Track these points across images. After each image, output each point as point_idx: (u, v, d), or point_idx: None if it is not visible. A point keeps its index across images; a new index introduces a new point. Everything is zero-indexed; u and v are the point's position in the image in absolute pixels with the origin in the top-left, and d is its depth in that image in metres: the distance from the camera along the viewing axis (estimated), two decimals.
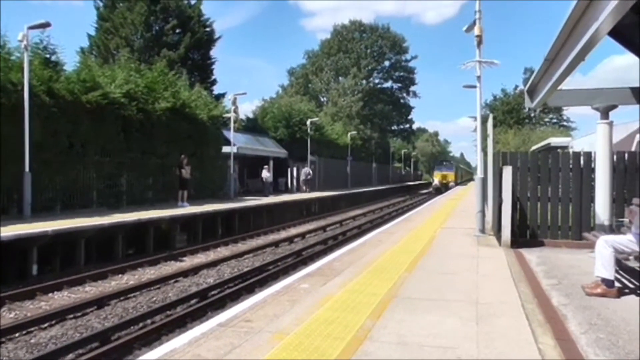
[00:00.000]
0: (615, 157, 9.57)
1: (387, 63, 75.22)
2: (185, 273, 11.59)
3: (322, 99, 72.19)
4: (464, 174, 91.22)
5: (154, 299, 9.55)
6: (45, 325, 7.72)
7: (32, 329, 7.50)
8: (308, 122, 35.70)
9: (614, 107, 9.70)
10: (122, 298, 9.40)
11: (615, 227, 8.41)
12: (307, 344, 3.97)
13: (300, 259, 13.74)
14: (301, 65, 76.33)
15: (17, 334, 7.24)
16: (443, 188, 52.99)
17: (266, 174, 28.84)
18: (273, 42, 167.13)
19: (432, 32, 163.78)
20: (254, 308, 5.07)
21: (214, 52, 38.27)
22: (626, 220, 6.88)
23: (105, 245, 13.40)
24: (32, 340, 7.12)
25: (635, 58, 9.13)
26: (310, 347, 3.91)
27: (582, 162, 9.82)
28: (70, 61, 24.47)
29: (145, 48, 33.48)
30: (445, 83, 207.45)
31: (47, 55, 16.43)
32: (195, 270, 11.94)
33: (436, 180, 58.90)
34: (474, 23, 11.04)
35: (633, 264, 6.09)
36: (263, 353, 3.78)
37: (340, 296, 5.52)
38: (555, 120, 67.34)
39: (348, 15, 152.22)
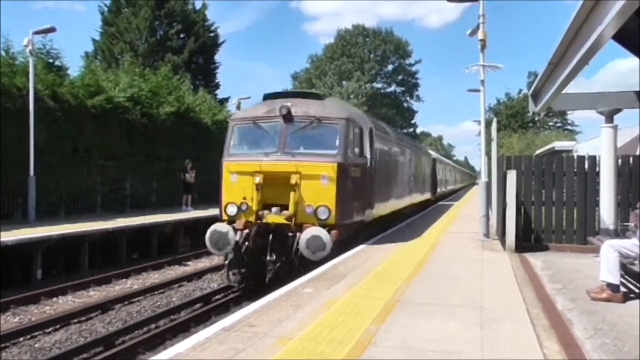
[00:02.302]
0: (620, 160, 9.54)
1: (390, 67, 75.26)
2: (189, 277, 11.60)
3: None
4: (458, 174, 47.62)
5: (158, 303, 9.55)
6: (50, 329, 7.73)
7: (36, 333, 7.51)
8: None
9: (618, 110, 9.66)
10: (126, 302, 9.40)
11: (620, 231, 8.38)
12: (310, 349, 3.96)
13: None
14: (305, 70, 76.47)
15: (21, 339, 7.25)
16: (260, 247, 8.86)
17: None
18: (276, 46, 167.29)
19: (435, 35, 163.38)
20: (258, 312, 5.06)
21: (218, 57, 38.43)
22: (631, 224, 6.85)
23: (109, 250, 13.41)
24: (37, 345, 7.12)
25: (639, 61, 9.11)
26: (314, 351, 3.90)
27: (586, 166, 9.79)
28: (74, 66, 24.64)
29: (149, 52, 33.61)
30: (448, 87, 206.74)
31: (50, 60, 16.53)
32: (199, 274, 11.94)
33: (229, 210, 9.22)
34: (478, 27, 11.06)
35: (638, 268, 6.06)
36: (267, 358, 3.77)
37: (344, 301, 5.50)
38: (559, 124, 67.23)
39: (350, 20, 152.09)
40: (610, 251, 5.69)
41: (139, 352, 6.94)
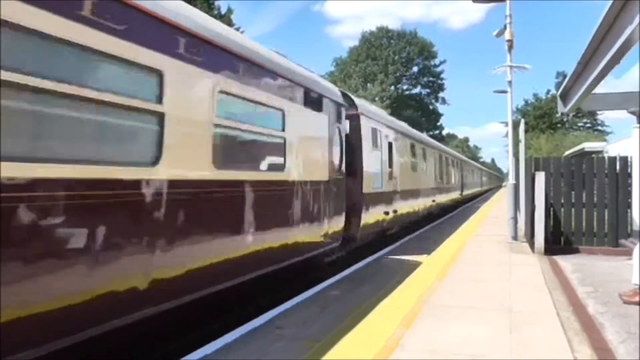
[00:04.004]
0: None
1: (415, 69, 74.95)
2: None
3: None
4: None
5: None
6: None
7: None
8: None
9: None
10: None
11: None
12: (336, 352, 3.96)
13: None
14: (329, 73, 76.62)
15: None
16: None
17: None
18: (300, 49, 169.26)
19: (459, 37, 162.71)
20: (285, 314, 5.09)
21: None
22: None
23: None
24: None
25: None
26: (340, 355, 3.91)
27: (617, 167, 9.59)
28: None
29: None
30: (474, 88, 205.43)
31: None
32: None
33: None
34: (505, 27, 10.94)
35: None
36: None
37: (370, 303, 5.49)
38: (589, 125, 65.83)
39: (373, 22, 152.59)
40: None
41: None
